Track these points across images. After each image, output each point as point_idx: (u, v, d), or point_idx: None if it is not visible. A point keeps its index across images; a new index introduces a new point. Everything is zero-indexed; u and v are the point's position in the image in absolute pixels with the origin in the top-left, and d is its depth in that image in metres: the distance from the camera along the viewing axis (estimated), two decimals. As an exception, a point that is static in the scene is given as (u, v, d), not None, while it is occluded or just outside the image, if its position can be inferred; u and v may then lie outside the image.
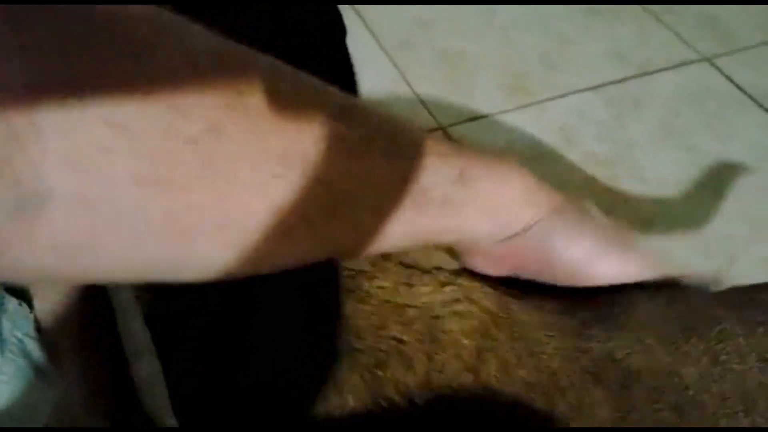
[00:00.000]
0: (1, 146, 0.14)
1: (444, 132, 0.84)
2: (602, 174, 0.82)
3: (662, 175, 0.82)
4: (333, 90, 0.21)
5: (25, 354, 0.26)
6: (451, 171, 0.22)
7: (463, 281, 0.23)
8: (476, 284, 0.23)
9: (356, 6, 0.96)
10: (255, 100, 0.17)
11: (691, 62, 0.98)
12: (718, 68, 0.97)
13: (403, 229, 0.22)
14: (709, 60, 0.98)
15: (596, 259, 0.24)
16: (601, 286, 0.24)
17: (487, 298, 0.23)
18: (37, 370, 0.27)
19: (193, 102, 0.16)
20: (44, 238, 0.16)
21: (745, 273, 0.73)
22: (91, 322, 0.29)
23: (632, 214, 0.78)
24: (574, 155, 0.83)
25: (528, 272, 0.25)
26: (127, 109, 0.15)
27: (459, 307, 0.22)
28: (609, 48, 0.99)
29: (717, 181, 0.82)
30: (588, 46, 0.99)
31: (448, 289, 0.23)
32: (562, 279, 0.24)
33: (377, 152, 0.20)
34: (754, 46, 1.00)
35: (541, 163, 0.82)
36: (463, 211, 0.22)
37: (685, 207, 0.79)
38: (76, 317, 0.29)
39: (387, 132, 0.21)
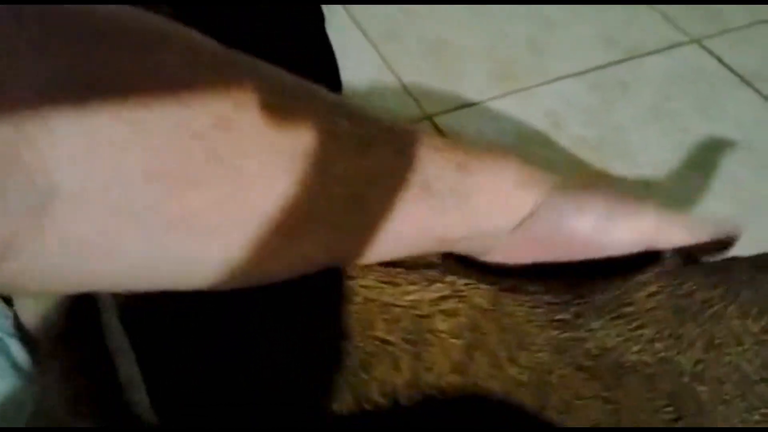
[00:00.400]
0: (12, 143, 0.14)
1: (431, 121, 0.84)
2: (591, 158, 0.81)
3: (652, 157, 0.82)
4: (329, 92, 0.21)
5: (5, 352, 0.26)
6: (449, 163, 0.22)
7: (453, 278, 0.22)
8: (467, 280, 0.22)
9: (342, -3, 0.96)
10: (262, 97, 0.17)
11: (681, 44, 0.97)
12: (708, 50, 0.96)
13: (414, 228, 0.22)
14: (698, 42, 0.98)
15: (607, 226, 0.24)
16: (609, 264, 0.24)
17: (478, 293, 0.22)
18: (18, 368, 0.27)
19: (202, 98, 0.16)
20: (56, 235, 0.15)
21: (739, 254, 0.73)
22: (75, 320, 0.29)
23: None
24: (562, 140, 0.83)
25: (547, 256, 0.24)
26: (135, 104, 0.15)
27: (447, 305, 0.21)
28: (597, 32, 0.98)
29: (708, 163, 0.82)
30: (576, 30, 0.98)
31: (435, 287, 0.22)
32: (579, 253, 0.24)
33: (381, 147, 0.21)
34: (743, 27, 0.99)
35: (529, 149, 0.82)
36: (469, 202, 0.22)
37: (676, 189, 0.79)
38: (59, 315, 0.29)
39: (386, 129, 0.21)
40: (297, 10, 0.32)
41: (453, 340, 0.21)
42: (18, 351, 0.26)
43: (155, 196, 0.16)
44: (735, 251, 0.80)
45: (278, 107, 0.18)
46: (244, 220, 0.18)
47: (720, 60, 0.95)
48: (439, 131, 0.83)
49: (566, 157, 0.82)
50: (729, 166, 0.81)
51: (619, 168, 0.80)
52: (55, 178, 0.15)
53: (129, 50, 0.16)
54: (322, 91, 0.21)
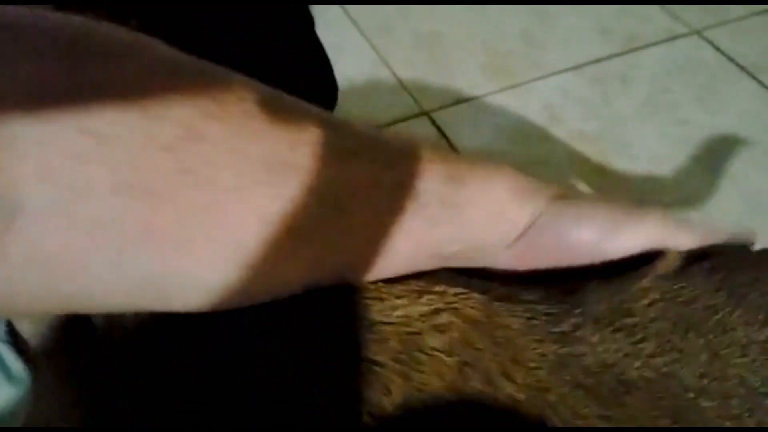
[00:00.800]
0: None
1: (428, 117, 0.83)
2: (590, 152, 0.81)
3: (652, 151, 0.81)
4: (312, 105, 0.20)
5: (0, 364, 0.26)
6: (440, 175, 0.21)
7: (443, 287, 0.21)
8: (459, 289, 0.21)
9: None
10: (235, 106, 0.17)
11: (680, 35, 0.96)
12: (708, 40, 0.96)
13: (405, 242, 0.21)
14: (698, 33, 0.97)
15: (612, 234, 0.23)
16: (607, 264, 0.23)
17: (470, 304, 0.21)
18: (11, 376, 0.27)
19: (169, 108, 0.16)
20: (19, 251, 0.15)
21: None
22: (71, 326, 0.29)
23: (622, 193, 0.77)
24: (561, 134, 0.83)
25: (549, 264, 0.24)
26: (101, 116, 0.15)
27: (439, 320, 0.20)
28: (595, 24, 0.97)
29: (709, 156, 0.81)
30: (573, 22, 0.97)
31: (425, 299, 0.21)
32: (582, 261, 0.24)
33: (364, 159, 0.20)
34: (744, 17, 0.98)
35: (527, 143, 0.82)
36: (463, 214, 0.22)
37: (676, 183, 0.78)
38: (55, 321, 0.29)
39: (371, 140, 0.21)
40: (285, 15, 0.31)
41: (446, 358, 0.20)
42: (12, 359, 0.27)
43: (123, 209, 0.16)
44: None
45: (251, 116, 0.17)
46: (217, 234, 0.17)
47: (721, 51, 0.94)
48: (437, 127, 0.83)
49: (565, 152, 0.81)
50: (731, 159, 0.81)
51: (618, 161, 0.80)
52: (18, 194, 0.14)
53: (94, 62, 0.15)
54: (300, 102, 0.20)
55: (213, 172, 0.17)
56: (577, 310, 0.22)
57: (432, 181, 0.21)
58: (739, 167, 0.80)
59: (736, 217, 0.75)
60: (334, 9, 0.93)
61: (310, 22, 0.33)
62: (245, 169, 0.17)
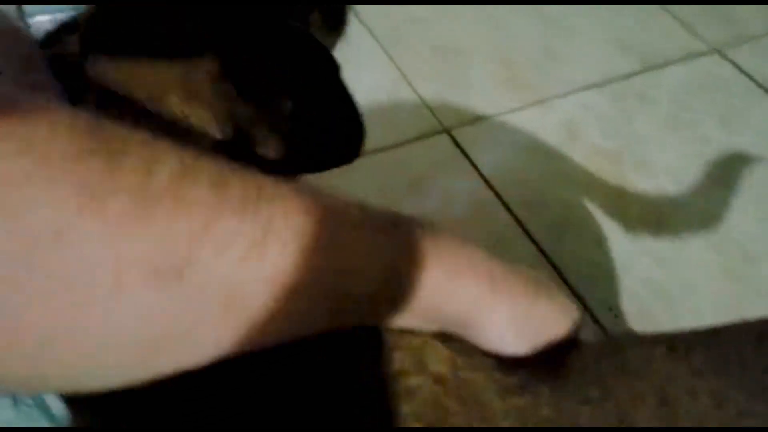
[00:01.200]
0: None
1: (449, 135, 0.83)
2: (609, 169, 0.81)
3: (671, 169, 0.81)
4: (235, 177, 0.18)
5: (41, 406, 0.26)
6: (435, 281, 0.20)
7: (411, 339, 0.21)
8: (425, 340, 0.21)
9: (355, 7, 0.95)
10: (118, 202, 0.16)
11: (700, 54, 0.96)
12: (728, 59, 0.95)
13: (319, 326, 0.20)
14: (718, 51, 0.96)
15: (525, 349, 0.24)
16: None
17: (436, 358, 0.21)
18: (51, 415, 0.26)
19: (39, 205, 0.15)
20: None
21: (764, 269, 0.72)
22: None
23: (641, 210, 0.77)
24: (580, 152, 0.82)
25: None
26: None
27: (410, 382, 0.21)
28: (613, 39, 0.97)
29: (728, 174, 0.81)
30: (591, 38, 0.97)
31: (396, 356, 0.21)
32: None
33: (277, 250, 0.18)
34: (763, 35, 0.98)
35: (546, 161, 0.81)
36: (407, 314, 0.21)
37: (694, 201, 0.78)
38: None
39: (299, 223, 0.19)
40: (311, 62, 0.31)
41: (416, 423, 0.20)
42: (55, 402, 0.26)
43: None
44: (762, 267, 0.78)
45: (141, 213, 0.16)
46: (86, 336, 0.16)
47: (740, 69, 0.93)
48: (456, 144, 0.82)
49: (584, 170, 0.81)
50: (751, 178, 0.80)
51: (637, 179, 0.79)
52: None
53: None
54: (217, 180, 0.18)
55: (86, 274, 0.16)
56: (522, 367, 0.23)
57: (372, 280, 0.20)
58: (758, 186, 0.79)
59: (758, 237, 0.75)
60: (354, 24, 0.92)
61: (335, 68, 0.32)
62: (127, 270, 0.16)
